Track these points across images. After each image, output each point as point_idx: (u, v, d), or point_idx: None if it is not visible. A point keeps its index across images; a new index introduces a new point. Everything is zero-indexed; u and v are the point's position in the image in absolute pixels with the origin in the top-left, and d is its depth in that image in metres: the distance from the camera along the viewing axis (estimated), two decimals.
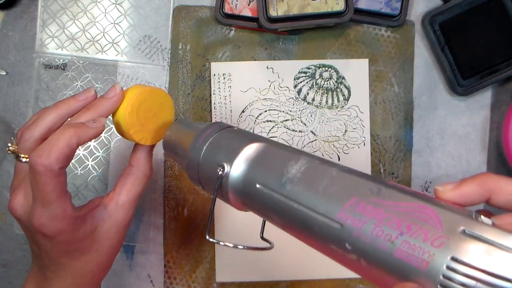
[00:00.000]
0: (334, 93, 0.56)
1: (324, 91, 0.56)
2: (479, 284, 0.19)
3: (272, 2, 0.51)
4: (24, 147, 0.36)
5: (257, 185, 0.29)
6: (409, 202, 0.23)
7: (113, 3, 0.55)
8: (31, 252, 0.39)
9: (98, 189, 0.55)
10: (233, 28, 0.55)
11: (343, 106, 0.56)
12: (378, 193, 0.24)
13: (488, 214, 0.22)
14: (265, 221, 0.35)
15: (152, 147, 0.40)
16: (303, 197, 0.26)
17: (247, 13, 0.54)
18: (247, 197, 0.30)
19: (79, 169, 0.55)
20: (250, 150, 0.31)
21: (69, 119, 0.37)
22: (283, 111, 0.55)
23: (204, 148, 0.33)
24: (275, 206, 0.28)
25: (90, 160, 0.55)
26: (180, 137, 0.37)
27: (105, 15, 0.55)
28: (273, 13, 0.51)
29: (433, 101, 0.56)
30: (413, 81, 0.56)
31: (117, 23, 0.55)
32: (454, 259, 0.20)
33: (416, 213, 0.22)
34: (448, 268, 0.20)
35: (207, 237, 0.31)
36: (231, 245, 0.31)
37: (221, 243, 0.31)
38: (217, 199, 0.32)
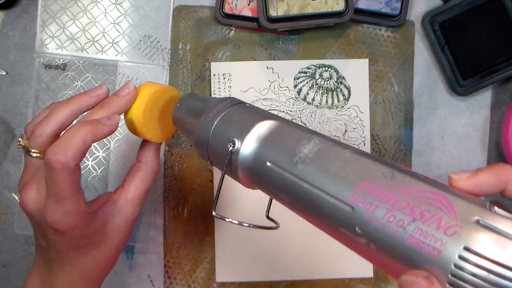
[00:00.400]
0: (334, 93, 0.56)
1: (324, 91, 0.56)
2: (491, 275, 0.19)
3: (272, 2, 0.51)
4: (36, 143, 0.36)
5: (268, 163, 0.28)
6: (423, 188, 0.23)
7: (113, 3, 0.55)
8: (37, 246, 0.39)
9: (98, 189, 0.55)
10: (233, 28, 0.55)
11: (343, 106, 0.56)
12: (391, 178, 0.24)
13: (501, 206, 0.22)
14: (271, 200, 0.35)
15: (159, 143, 0.40)
16: (315, 178, 0.26)
17: (247, 13, 0.54)
18: (257, 175, 0.30)
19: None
20: (262, 127, 0.30)
21: (80, 115, 0.38)
22: (283, 111, 0.55)
23: (215, 122, 0.32)
24: (285, 186, 0.28)
25: (90, 160, 0.55)
26: (191, 111, 0.36)
27: (105, 15, 0.55)
28: (273, 13, 0.51)
29: (433, 101, 0.56)
30: (413, 81, 0.56)
31: (117, 23, 0.55)
32: (466, 248, 0.20)
33: (430, 200, 0.22)
34: (460, 257, 0.20)
35: (214, 213, 0.30)
36: (236, 221, 0.30)
37: (226, 219, 0.30)
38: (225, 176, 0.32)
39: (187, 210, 0.55)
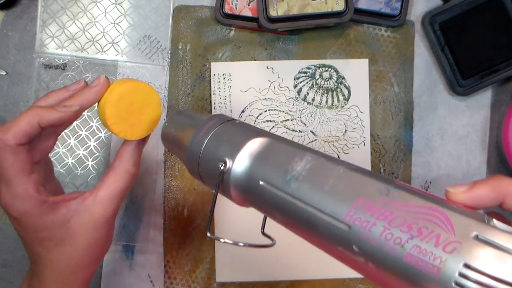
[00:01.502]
0: (334, 93, 0.56)
1: (324, 91, 0.56)
2: None
3: (272, 2, 0.51)
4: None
5: (261, 182, 0.28)
6: (420, 205, 0.22)
7: (113, 3, 0.55)
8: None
9: None
10: (233, 28, 0.55)
11: (343, 106, 0.56)
12: (387, 194, 0.23)
13: (499, 217, 0.22)
14: (266, 217, 0.35)
15: (139, 143, 0.39)
16: (309, 196, 0.25)
17: (247, 13, 0.54)
18: (250, 193, 0.29)
19: (79, 169, 0.55)
20: (253, 145, 0.30)
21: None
22: (283, 111, 0.55)
23: (205, 141, 0.32)
24: (279, 204, 0.27)
25: (90, 160, 0.55)
26: (180, 129, 0.36)
27: (105, 15, 0.55)
28: (273, 13, 0.51)
29: (433, 101, 0.56)
30: (413, 81, 0.56)
31: (117, 23, 0.55)
32: (467, 265, 0.19)
33: (427, 215, 0.21)
34: (461, 275, 0.19)
35: (208, 233, 0.30)
36: (231, 241, 0.30)
37: (221, 240, 0.30)
38: (218, 194, 0.32)
39: (187, 210, 0.55)
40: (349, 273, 0.55)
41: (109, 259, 0.55)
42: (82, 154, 0.55)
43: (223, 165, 0.30)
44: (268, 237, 0.34)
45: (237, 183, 0.30)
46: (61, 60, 0.55)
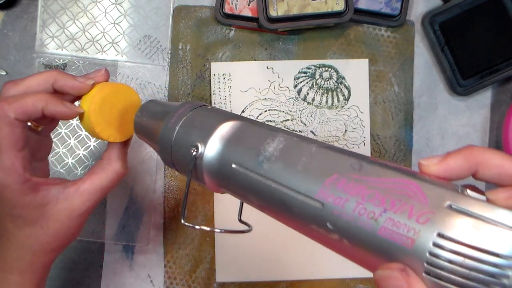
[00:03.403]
0: (334, 93, 0.56)
1: (324, 91, 0.56)
2: (467, 260, 0.18)
3: (272, 2, 0.51)
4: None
5: (233, 165, 0.28)
6: (393, 178, 0.22)
7: (113, 3, 0.55)
8: None
9: None
10: (233, 28, 0.55)
11: (343, 106, 0.56)
12: (359, 169, 0.23)
13: (475, 189, 0.22)
14: (242, 204, 0.34)
15: (124, 144, 0.40)
16: (281, 176, 0.25)
17: (247, 13, 0.54)
18: (223, 178, 0.29)
19: (79, 169, 0.55)
20: (225, 128, 0.29)
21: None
22: (283, 111, 0.55)
23: (177, 128, 0.31)
24: (253, 187, 0.27)
25: (90, 160, 0.55)
26: (152, 118, 0.35)
27: (105, 15, 0.55)
28: (273, 13, 0.51)
29: (433, 101, 0.56)
30: (413, 81, 0.56)
31: (117, 23, 0.55)
32: (440, 235, 0.19)
33: (400, 188, 0.21)
34: (435, 245, 0.19)
35: (182, 221, 0.30)
36: (208, 228, 0.30)
37: (196, 227, 0.30)
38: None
39: (187, 210, 0.55)
40: (349, 273, 0.55)
41: (109, 259, 0.55)
42: (82, 154, 0.55)
43: (195, 150, 0.29)
44: (246, 224, 0.34)
45: (210, 168, 0.29)
46: (61, 60, 0.55)
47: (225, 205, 0.55)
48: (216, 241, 0.55)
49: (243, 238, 0.55)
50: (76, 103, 0.39)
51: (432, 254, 0.19)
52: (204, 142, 0.29)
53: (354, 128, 0.55)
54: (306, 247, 0.55)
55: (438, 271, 0.19)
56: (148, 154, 0.55)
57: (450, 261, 0.19)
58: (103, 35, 0.55)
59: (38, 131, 0.39)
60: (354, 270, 0.55)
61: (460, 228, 0.19)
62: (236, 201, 0.56)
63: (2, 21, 0.55)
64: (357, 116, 0.55)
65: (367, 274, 0.55)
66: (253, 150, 0.27)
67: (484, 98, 0.56)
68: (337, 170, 0.24)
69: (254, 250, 0.55)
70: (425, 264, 0.19)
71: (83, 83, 0.37)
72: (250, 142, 0.28)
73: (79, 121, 0.39)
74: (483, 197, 0.21)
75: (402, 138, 0.56)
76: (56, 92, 0.37)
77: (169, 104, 0.36)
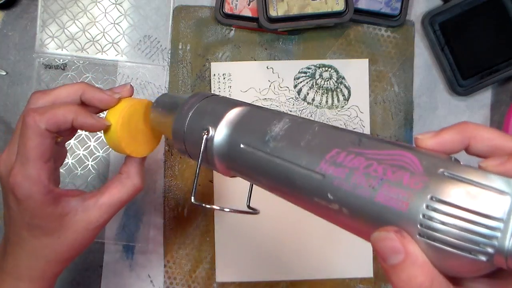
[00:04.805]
0: (334, 93, 0.56)
1: (324, 91, 0.56)
2: (458, 221, 0.19)
3: (272, 2, 0.51)
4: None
5: (241, 145, 0.30)
6: (390, 150, 0.23)
7: (113, 3, 0.55)
8: (4, 223, 0.39)
9: None
10: (233, 28, 0.55)
11: (343, 106, 0.56)
12: (359, 144, 0.25)
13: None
14: (251, 190, 0.36)
15: (143, 159, 0.40)
16: (286, 152, 0.27)
17: (247, 13, 0.54)
18: (232, 159, 0.31)
19: (79, 169, 0.55)
20: (234, 113, 0.32)
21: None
22: (283, 111, 0.55)
23: (190, 114, 0.33)
24: (260, 165, 0.29)
25: (90, 160, 0.55)
26: (166, 108, 0.37)
27: (105, 15, 0.55)
28: (273, 13, 0.51)
29: (433, 101, 0.56)
30: (413, 81, 0.56)
31: (117, 23, 0.55)
32: (433, 198, 0.20)
33: (396, 159, 0.23)
34: (428, 207, 0.20)
35: (193, 200, 0.32)
36: (218, 207, 0.32)
37: (206, 206, 0.32)
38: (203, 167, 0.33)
39: (187, 210, 0.55)
40: (349, 273, 0.55)
41: (109, 259, 0.55)
42: (82, 154, 0.55)
43: (206, 132, 0.31)
44: (253, 209, 0.36)
45: (220, 151, 0.31)
46: (61, 60, 0.55)
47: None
48: (216, 241, 0.55)
49: (243, 238, 0.55)
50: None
51: (426, 216, 0.20)
52: (215, 126, 0.31)
53: (354, 128, 0.55)
54: (306, 247, 0.55)
55: (431, 232, 0.20)
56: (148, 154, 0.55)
57: (443, 223, 0.20)
58: (103, 35, 0.55)
59: (57, 141, 0.39)
60: (354, 270, 0.55)
61: (453, 191, 0.20)
62: (237, 201, 0.56)
63: (2, 21, 0.55)
64: (357, 116, 0.55)
65: (367, 274, 0.55)
66: (260, 131, 0.29)
67: (484, 98, 0.56)
68: (338, 145, 0.25)
69: (254, 250, 0.55)
70: (419, 226, 0.20)
71: (111, 97, 0.38)
72: (258, 124, 0.30)
73: (102, 134, 0.39)
74: (474, 167, 0.22)
75: (402, 138, 0.56)
76: (83, 104, 0.38)
77: (181, 96, 0.38)
